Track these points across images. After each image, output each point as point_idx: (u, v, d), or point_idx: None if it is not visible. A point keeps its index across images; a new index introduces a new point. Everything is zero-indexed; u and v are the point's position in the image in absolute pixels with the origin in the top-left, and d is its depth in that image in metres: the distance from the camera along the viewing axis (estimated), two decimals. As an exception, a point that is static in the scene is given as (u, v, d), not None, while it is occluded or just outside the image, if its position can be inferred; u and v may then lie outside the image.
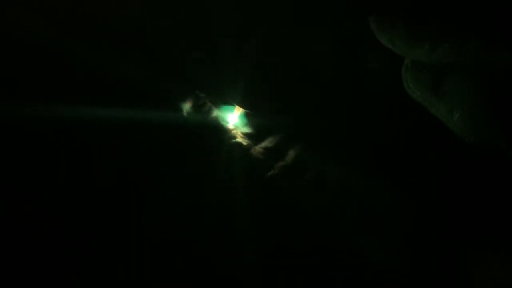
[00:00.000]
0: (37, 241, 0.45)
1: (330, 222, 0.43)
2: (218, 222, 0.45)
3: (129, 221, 0.46)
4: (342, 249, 0.42)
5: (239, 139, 0.48)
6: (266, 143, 0.48)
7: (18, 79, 0.50)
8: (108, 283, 0.44)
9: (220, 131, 0.49)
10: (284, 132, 0.48)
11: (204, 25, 0.51)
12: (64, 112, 0.48)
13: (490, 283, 0.37)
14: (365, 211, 0.43)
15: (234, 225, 0.45)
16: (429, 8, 0.39)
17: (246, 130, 0.49)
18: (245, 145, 0.48)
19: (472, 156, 0.37)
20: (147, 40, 0.51)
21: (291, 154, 0.47)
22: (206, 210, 0.46)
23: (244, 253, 0.44)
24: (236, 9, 0.50)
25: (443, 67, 0.34)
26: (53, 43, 0.50)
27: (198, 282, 0.44)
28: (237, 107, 0.50)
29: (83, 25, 0.52)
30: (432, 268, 0.40)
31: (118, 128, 0.48)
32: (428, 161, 0.43)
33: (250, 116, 0.49)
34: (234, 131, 0.49)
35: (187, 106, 0.50)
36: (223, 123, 0.50)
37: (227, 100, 0.50)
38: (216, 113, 0.50)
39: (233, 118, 0.50)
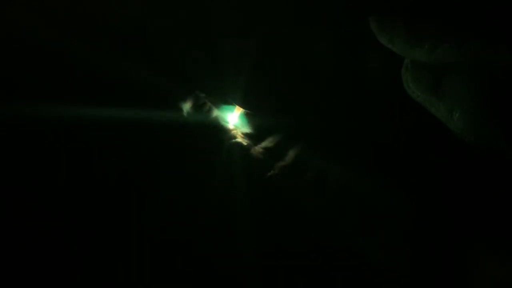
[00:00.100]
0: (37, 241, 0.45)
1: (330, 222, 0.43)
2: (218, 222, 0.45)
3: (129, 221, 0.46)
4: (342, 249, 0.42)
5: (239, 139, 0.48)
6: (266, 143, 0.48)
7: (18, 79, 0.50)
8: (108, 283, 0.44)
9: (220, 131, 0.49)
10: (284, 132, 0.48)
11: (204, 25, 0.51)
12: (64, 112, 0.48)
13: (490, 283, 0.37)
14: (365, 211, 0.43)
15: (234, 225, 0.45)
16: (429, 8, 0.39)
17: (246, 130, 0.49)
18: (245, 145, 0.48)
19: (472, 156, 0.37)
20: (147, 40, 0.51)
21: (291, 154, 0.47)
22: (206, 210, 0.46)
23: (244, 253, 0.44)
24: (236, 9, 0.50)
25: (443, 67, 0.34)
26: (53, 43, 0.50)
27: (198, 282, 0.44)
28: (237, 107, 0.50)
29: (83, 25, 0.52)
30: (432, 268, 0.40)
31: (118, 128, 0.48)
32: (428, 161, 0.43)
33: (250, 116, 0.49)
34: (234, 131, 0.49)
35: (187, 106, 0.50)
36: (223, 123, 0.50)
37: (227, 100, 0.50)
38: (216, 113, 0.50)
39: (233, 118, 0.50)
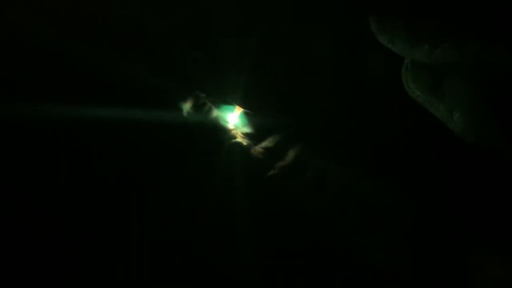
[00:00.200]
0: (37, 241, 0.45)
1: (330, 222, 0.43)
2: (218, 222, 0.45)
3: (129, 221, 0.46)
4: (342, 249, 0.42)
5: (239, 139, 0.48)
6: (266, 143, 0.48)
7: (18, 79, 0.50)
8: (108, 283, 0.44)
9: (220, 131, 0.49)
10: (284, 132, 0.48)
11: (204, 25, 0.51)
12: (64, 112, 0.48)
13: (490, 283, 0.37)
14: (365, 211, 0.43)
15: (234, 225, 0.45)
16: (429, 8, 0.39)
17: (246, 130, 0.49)
18: (245, 145, 0.48)
19: (472, 156, 0.37)
20: (147, 40, 0.51)
21: (291, 154, 0.47)
22: (206, 210, 0.46)
23: (244, 253, 0.44)
24: (236, 9, 0.50)
25: (443, 67, 0.34)
26: (53, 43, 0.50)
27: (198, 282, 0.44)
28: (237, 107, 0.50)
29: (83, 25, 0.52)
30: (432, 268, 0.40)
31: (118, 128, 0.48)
32: (428, 161, 0.43)
33: (250, 116, 0.49)
34: (234, 131, 0.49)
35: (187, 106, 0.50)
36: (223, 123, 0.50)
37: (227, 100, 0.50)
38: (216, 113, 0.50)
39: (233, 118, 0.50)
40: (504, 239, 0.37)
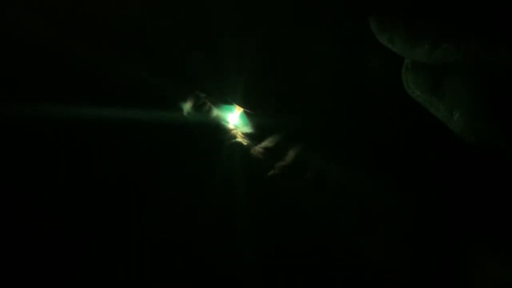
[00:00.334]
0: (37, 241, 0.45)
1: (330, 222, 0.43)
2: (218, 222, 0.45)
3: (129, 221, 0.46)
4: (342, 249, 0.42)
5: (239, 139, 0.48)
6: (266, 143, 0.48)
7: (18, 79, 0.50)
8: (108, 283, 0.44)
9: (220, 131, 0.49)
10: (284, 132, 0.48)
11: (204, 25, 0.51)
12: (64, 112, 0.48)
13: (490, 283, 0.37)
14: (365, 211, 0.43)
15: (234, 225, 0.45)
16: (429, 8, 0.39)
17: (246, 130, 0.49)
18: (245, 145, 0.48)
19: (472, 156, 0.37)
20: (147, 40, 0.51)
21: (291, 154, 0.47)
22: (206, 210, 0.46)
23: (244, 253, 0.44)
24: (236, 9, 0.50)
25: (443, 67, 0.34)
26: (53, 43, 0.50)
27: (198, 282, 0.44)
28: (237, 107, 0.50)
29: (83, 25, 0.52)
30: (432, 268, 0.40)
31: (118, 128, 0.48)
32: (428, 161, 0.43)
33: (250, 116, 0.49)
34: (234, 131, 0.49)
35: (187, 106, 0.50)
36: (223, 123, 0.50)
37: (227, 100, 0.50)
38: (216, 113, 0.50)
39: (233, 118, 0.50)
40: (504, 239, 0.37)
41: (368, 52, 0.45)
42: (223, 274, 0.43)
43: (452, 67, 0.33)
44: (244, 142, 0.48)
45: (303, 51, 0.49)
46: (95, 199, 0.47)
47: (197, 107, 0.50)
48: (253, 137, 0.49)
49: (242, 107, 0.50)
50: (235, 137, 0.49)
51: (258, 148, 0.48)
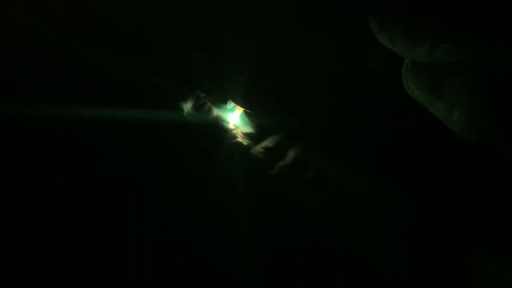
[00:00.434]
0: (37, 241, 0.45)
1: (330, 222, 0.43)
2: (218, 222, 0.45)
3: (129, 221, 0.46)
4: (342, 249, 0.42)
5: (239, 139, 0.48)
6: (266, 143, 0.48)
7: (18, 79, 0.50)
8: (108, 283, 0.44)
9: (220, 131, 0.49)
10: (284, 132, 0.48)
11: (204, 25, 0.51)
12: (64, 112, 0.48)
13: (490, 283, 0.37)
14: (365, 211, 0.43)
15: (234, 225, 0.45)
16: (429, 8, 0.39)
17: (247, 130, 0.49)
18: (245, 145, 0.48)
19: (472, 156, 0.37)
20: (147, 40, 0.51)
21: (291, 154, 0.47)
22: (206, 210, 0.46)
23: (244, 253, 0.44)
24: (236, 9, 0.50)
25: (443, 67, 0.34)
26: (53, 43, 0.50)
27: (198, 282, 0.44)
28: (237, 107, 0.50)
29: (83, 25, 0.52)
30: (432, 268, 0.40)
31: (118, 128, 0.48)
32: (428, 161, 0.43)
33: (250, 116, 0.49)
34: (234, 131, 0.49)
35: (187, 106, 0.50)
36: (223, 123, 0.50)
37: (228, 100, 0.50)
38: (216, 113, 0.50)
39: (233, 118, 0.50)
40: (504, 239, 0.37)
41: (368, 52, 0.45)
42: (223, 274, 0.43)
43: (452, 67, 0.33)
44: (244, 142, 0.48)
45: (303, 51, 0.49)
46: (95, 199, 0.47)
47: (197, 107, 0.50)
48: (253, 137, 0.49)
49: (242, 107, 0.50)
50: (235, 137, 0.49)
51: (258, 148, 0.48)
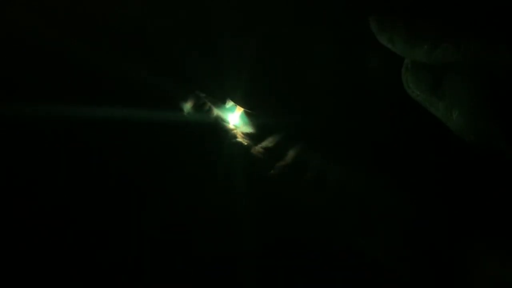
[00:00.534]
0: (37, 241, 0.45)
1: (330, 222, 0.43)
2: (218, 222, 0.45)
3: (129, 221, 0.46)
4: (342, 249, 0.42)
5: (239, 139, 0.48)
6: (266, 143, 0.48)
7: (18, 79, 0.50)
8: (108, 283, 0.44)
9: (220, 131, 0.49)
10: (284, 132, 0.48)
11: (204, 25, 0.51)
12: (64, 112, 0.48)
13: (490, 283, 0.37)
14: (365, 211, 0.43)
15: (234, 225, 0.45)
16: (429, 8, 0.39)
17: (247, 129, 0.49)
18: (246, 145, 0.48)
19: (472, 156, 0.37)
20: (147, 40, 0.51)
21: (291, 154, 0.47)
22: (206, 210, 0.46)
23: (244, 253, 0.44)
24: (236, 9, 0.50)
25: (443, 67, 0.34)
26: (53, 43, 0.50)
27: (198, 282, 0.44)
28: (237, 106, 0.50)
29: (83, 25, 0.52)
30: (432, 268, 0.40)
31: (118, 128, 0.48)
32: (428, 161, 0.43)
33: (250, 116, 0.49)
34: (234, 131, 0.49)
35: (187, 106, 0.50)
36: (223, 123, 0.50)
37: (228, 100, 0.50)
38: (216, 113, 0.50)
39: (233, 118, 0.50)
40: (504, 239, 0.37)
41: (368, 52, 0.45)
42: (223, 274, 0.43)
43: (452, 67, 0.33)
44: (244, 142, 0.48)
45: (303, 51, 0.49)
46: (95, 199, 0.47)
47: (197, 107, 0.50)
48: (253, 137, 0.49)
49: (242, 107, 0.50)
50: (235, 137, 0.48)
51: (258, 148, 0.48)
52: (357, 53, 0.47)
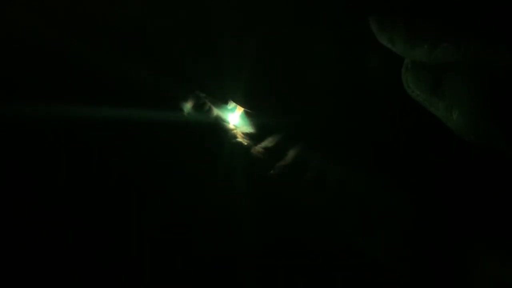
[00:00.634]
0: (37, 241, 0.45)
1: (330, 222, 0.43)
2: (218, 222, 0.45)
3: (129, 221, 0.46)
4: (342, 249, 0.42)
5: (239, 139, 0.48)
6: (266, 143, 0.48)
7: (18, 79, 0.50)
8: (108, 283, 0.44)
9: (220, 131, 0.49)
10: (284, 132, 0.48)
11: (204, 25, 0.51)
12: (64, 112, 0.48)
13: (490, 283, 0.37)
14: (365, 211, 0.43)
15: (234, 225, 0.45)
16: (429, 8, 0.39)
17: (247, 129, 0.49)
18: (246, 145, 0.48)
19: (472, 156, 0.37)
20: (147, 40, 0.51)
21: (291, 154, 0.47)
22: (206, 210, 0.46)
23: (244, 253, 0.44)
24: (236, 9, 0.50)
25: (443, 67, 0.34)
26: (53, 43, 0.50)
27: (198, 282, 0.44)
28: (237, 106, 0.50)
29: (83, 25, 0.52)
30: (432, 268, 0.40)
31: (118, 128, 0.48)
32: (428, 161, 0.43)
33: (250, 116, 0.49)
34: (234, 131, 0.49)
35: (187, 106, 0.50)
36: (223, 123, 0.50)
37: (228, 100, 0.50)
38: (216, 113, 0.50)
39: (233, 118, 0.50)
40: (504, 239, 0.37)
41: (368, 52, 0.45)
42: (223, 274, 0.44)
43: (452, 67, 0.33)
44: (244, 142, 0.48)
45: (303, 51, 0.49)
46: (95, 199, 0.47)
47: (197, 107, 0.50)
48: (253, 137, 0.49)
49: (242, 107, 0.50)
50: (235, 137, 0.48)
51: (258, 148, 0.48)
52: (357, 53, 0.47)
